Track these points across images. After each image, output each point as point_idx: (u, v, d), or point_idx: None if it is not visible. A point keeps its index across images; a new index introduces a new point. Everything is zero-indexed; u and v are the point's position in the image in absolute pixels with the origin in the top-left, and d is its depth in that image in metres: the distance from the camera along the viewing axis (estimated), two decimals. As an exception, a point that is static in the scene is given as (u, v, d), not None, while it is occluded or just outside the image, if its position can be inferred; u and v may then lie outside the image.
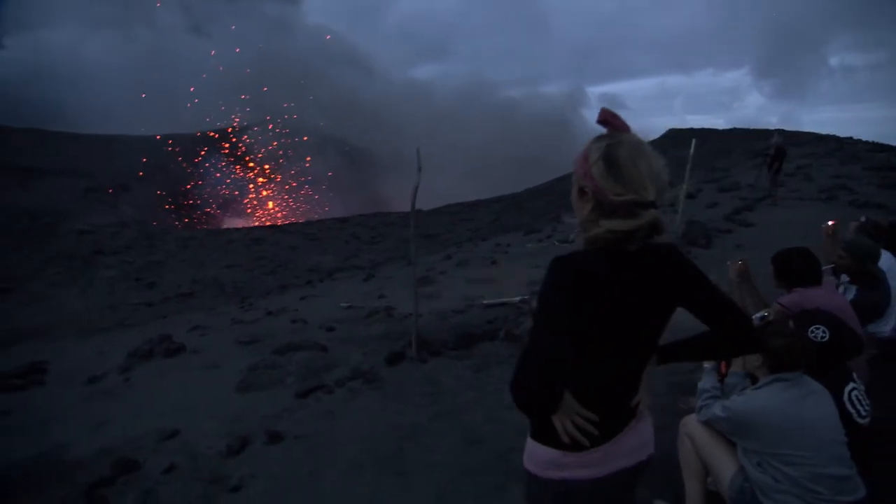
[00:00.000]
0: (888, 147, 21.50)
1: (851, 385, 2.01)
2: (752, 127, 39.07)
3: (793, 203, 11.53)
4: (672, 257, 1.14)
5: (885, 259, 3.12)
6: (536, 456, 1.18)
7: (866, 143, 24.63)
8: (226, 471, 3.15)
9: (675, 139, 35.96)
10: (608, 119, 1.17)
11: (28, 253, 22.03)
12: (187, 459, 3.34)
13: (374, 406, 3.86)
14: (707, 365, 2.28)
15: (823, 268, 2.77)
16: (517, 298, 7.12)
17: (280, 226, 36.14)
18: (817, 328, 2.07)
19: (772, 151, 12.00)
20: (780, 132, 14.51)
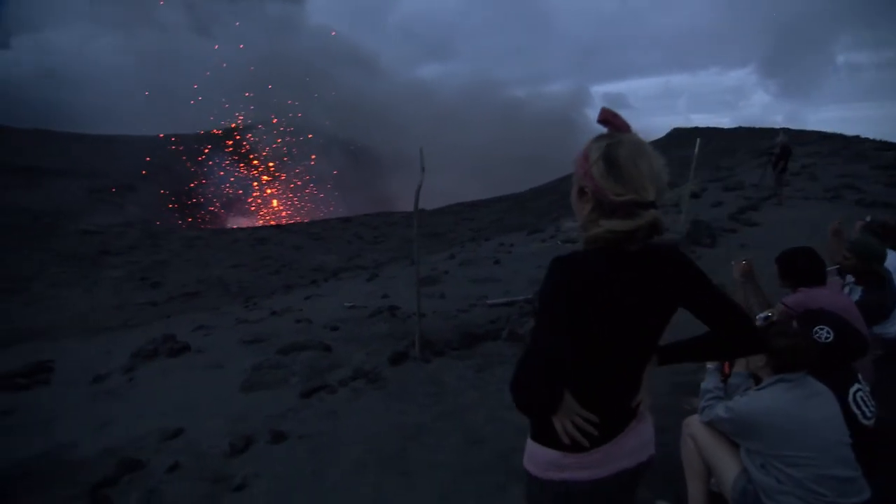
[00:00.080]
0: (895, 146, 21.34)
1: (856, 386, 2.00)
2: (757, 126, 38.91)
3: (798, 202, 11.46)
4: (673, 257, 1.14)
5: (892, 259, 3.10)
6: (536, 457, 1.18)
7: (873, 141, 24.44)
8: (229, 470, 3.16)
9: (680, 138, 35.83)
10: (609, 118, 1.16)
11: (33, 253, 22.18)
12: (191, 459, 3.36)
13: (378, 406, 3.87)
14: (710, 365, 2.27)
15: (829, 268, 2.75)
16: (521, 298, 7.11)
17: (285, 225, 36.24)
18: (822, 328, 2.06)
19: (777, 150, 11.93)
20: (786, 131, 14.42)
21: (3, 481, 3.38)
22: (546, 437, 1.16)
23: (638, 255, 1.09)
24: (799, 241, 3.00)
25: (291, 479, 3.01)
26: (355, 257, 22.84)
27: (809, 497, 1.71)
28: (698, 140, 10.11)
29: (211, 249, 24.58)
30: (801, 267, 2.55)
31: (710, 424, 2.07)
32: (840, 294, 2.68)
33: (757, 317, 2.51)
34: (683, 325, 1.28)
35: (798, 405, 1.80)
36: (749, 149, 26.00)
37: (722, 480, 2.01)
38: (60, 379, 6.01)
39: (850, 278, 3.06)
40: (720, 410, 1.97)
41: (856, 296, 2.92)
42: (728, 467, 1.98)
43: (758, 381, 2.06)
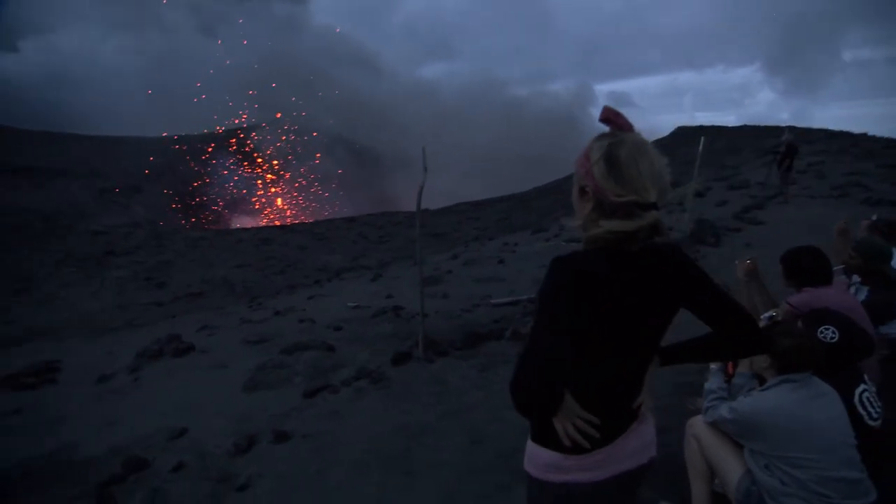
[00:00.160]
0: (903, 143, 21.15)
1: (862, 387, 1.97)
2: (762, 124, 38.63)
3: (804, 201, 11.38)
4: (674, 257, 1.13)
5: (899, 258, 3.06)
6: (537, 458, 1.18)
7: (881, 139, 24.21)
8: (233, 469, 3.17)
9: (685, 137, 35.64)
10: (611, 117, 1.15)
11: (41, 254, 22.36)
12: (195, 458, 3.38)
13: (381, 406, 3.87)
14: (714, 366, 2.26)
15: (835, 268, 2.72)
16: (524, 297, 7.10)
17: (289, 225, 36.35)
18: (827, 328, 2.04)
19: (783, 149, 11.85)
20: (791, 129, 14.31)
21: (11, 479, 3.42)
22: (546, 438, 1.15)
23: (638, 254, 1.08)
24: (804, 240, 2.97)
25: (295, 478, 3.02)
26: (360, 257, 22.87)
27: (814, 499, 1.69)
28: (703, 138, 10.06)
29: (215, 250, 24.69)
30: (805, 266, 2.52)
31: (714, 425, 2.05)
32: (846, 294, 2.65)
33: (761, 316, 2.49)
34: (685, 325, 1.27)
35: (803, 406, 1.78)
36: (754, 147, 25.83)
37: (725, 481, 2.00)
38: (67, 378, 6.05)
39: (856, 278, 3.03)
40: (724, 411, 1.96)
41: (862, 295, 2.89)
42: (732, 468, 1.96)
43: (762, 381, 2.04)
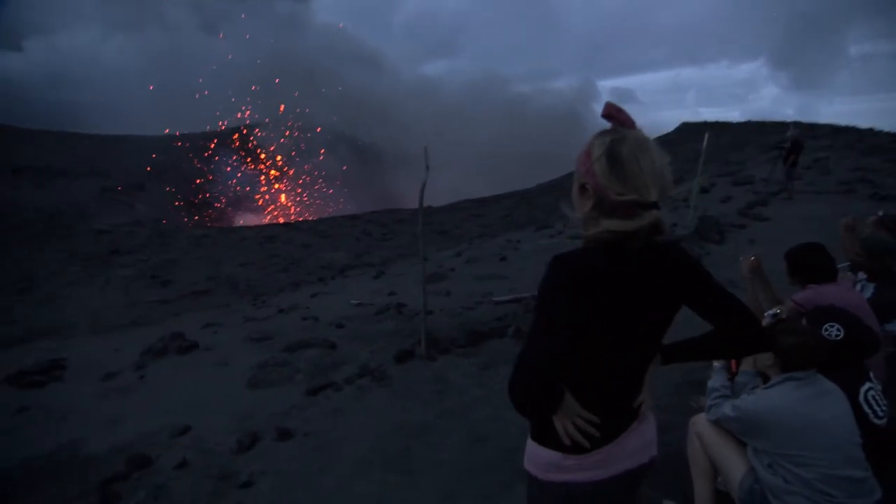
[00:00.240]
0: (910, 138, 20.95)
1: (868, 385, 1.96)
2: (767, 119, 38.38)
3: (809, 197, 11.30)
4: (674, 254, 1.11)
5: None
6: (537, 458, 1.17)
7: (888, 134, 23.98)
8: (236, 467, 3.19)
9: (689, 133, 35.46)
10: (613, 114, 1.14)
11: (47, 253, 22.49)
12: (198, 455, 3.39)
13: (382, 404, 3.87)
14: (717, 363, 2.24)
15: (840, 265, 2.70)
16: (527, 295, 7.08)
17: (293, 223, 36.40)
18: (831, 326, 2.02)
19: (787, 145, 11.76)
20: (796, 125, 14.21)
21: (17, 476, 3.44)
22: (546, 437, 1.14)
23: (639, 251, 1.07)
24: (809, 236, 2.95)
25: (296, 476, 3.03)
26: (363, 254, 22.88)
27: (818, 497, 1.68)
28: (706, 134, 10.00)
29: (220, 247, 24.74)
30: (810, 263, 2.50)
31: (717, 423, 2.04)
32: (851, 291, 2.62)
33: (765, 314, 2.47)
34: (686, 324, 1.26)
35: (806, 404, 1.77)
36: (759, 143, 25.65)
37: (728, 479, 1.98)
38: (73, 376, 6.09)
39: (861, 275, 3.01)
40: (727, 409, 1.95)
41: (868, 292, 2.86)
42: (735, 466, 1.95)
43: (766, 379, 2.03)
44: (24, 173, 35.63)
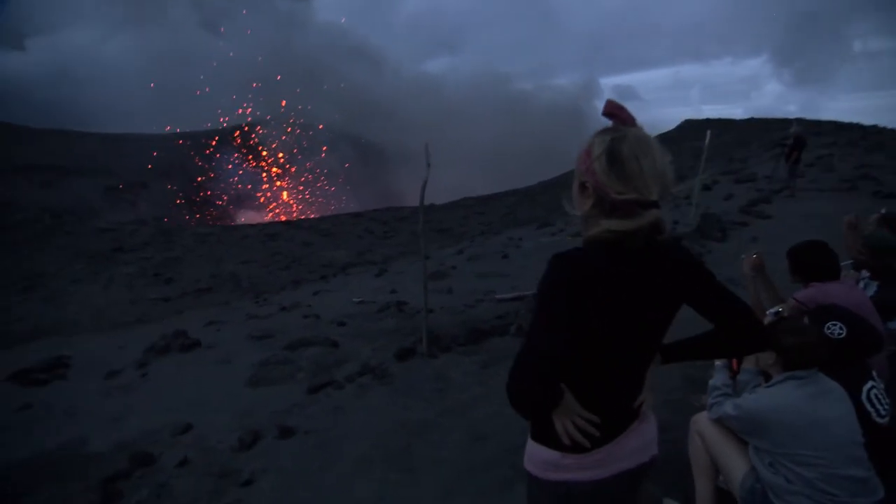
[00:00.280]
0: (915, 135, 20.84)
1: (870, 383, 1.94)
2: (770, 116, 38.23)
3: (812, 194, 11.24)
4: (674, 254, 1.11)
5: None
6: (536, 457, 1.17)
7: (892, 130, 23.86)
8: (237, 465, 3.20)
9: (692, 130, 35.32)
10: (614, 111, 1.13)
11: (50, 251, 22.58)
12: (200, 453, 3.40)
13: (383, 402, 3.88)
14: (718, 362, 2.23)
15: (843, 263, 2.68)
16: (529, 293, 7.08)
17: (294, 221, 36.43)
18: (834, 324, 2.01)
19: (790, 142, 11.70)
20: (799, 122, 14.13)
21: (20, 473, 3.46)
22: (546, 437, 1.14)
23: (639, 251, 1.06)
24: (812, 234, 2.93)
25: (297, 474, 3.03)
26: (365, 252, 22.90)
27: (820, 497, 1.67)
28: (709, 132, 9.96)
29: (222, 245, 24.80)
30: (812, 261, 2.49)
31: (719, 422, 2.03)
32: (854, 289, 2.60)
33: (767, 312, 2.46)
34: (688, 323, 1.25)
35: (808, 403, 1.76)
36: (762, 140, 25.55)
37: (730, 478, 1.98)
38: (76, 374, 6.11)
39: (864, 273, 2.99)
40: (728, 407, 1.94)
41: (871, 291, 2.84)
42: (736, 465, 1.94)
43: (767, 377, 2.02)
44: (28, 172, 35.76)
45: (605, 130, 1.11)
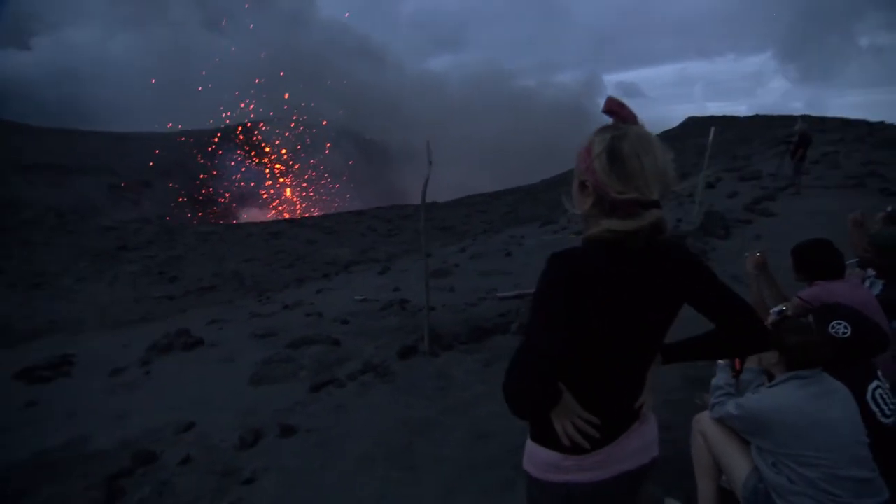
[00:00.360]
0: (922, 131, 20.65)
1: (875, 383, 1.92)
2: (775, 113, 38.01)
3: (817, 192, 11.16)
4: (675, 254, 1.09)
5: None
6: (536, 458, 1.16)
7: (899, 127, 23.66)
8: (239, 463, 3.20)
9: (695, 127, 35.15)
10: (614, 109, 1.11)
11: (56, 249, 22.70)
12: (202, 452, 3.41)
13: (385, 400, 3.88)
14: (721, 361, 2.22)
15: (848, 261, 2.65)
16: (531, 291, 7.06)
17: (298, 219, 36.52)
18: (838, 323, 1.99)
19: (795, 139, 11.62)
20: (804, 118, 14.02)
21: (23, 471, 3.48)
22: (546, 438, 1.13)
23: (640, 250, 1.05)
24: (817, 232, 2.90)
25: (299, 472, 3.03)
26: (369, 250, 22.92)
27: (823, 498, 1.66)
28: (712, 129, 9.90)
29: (225, 244, 24.88)
30: (816, 259, 2.46)
31: (721, 421, 2.02)
32: (859, 287, 2.58)
33: (771, 311, 2.44)
34: (689, 322, 1.24)
35: (812, 403, 1.74)
36: (766, 137, 25.40)
37: (732, 478, 1.96)
38: (81, 372, 6.14)
39: (870, 271, 2.96)
40: (731, 407, 1.92)
41: (877, 289, 2.81)
42: (739, 465, 1.93)
43: (770, 377, 2.00)
44: (32, 171, 35.94)
45: (606, 128, 1.10)
